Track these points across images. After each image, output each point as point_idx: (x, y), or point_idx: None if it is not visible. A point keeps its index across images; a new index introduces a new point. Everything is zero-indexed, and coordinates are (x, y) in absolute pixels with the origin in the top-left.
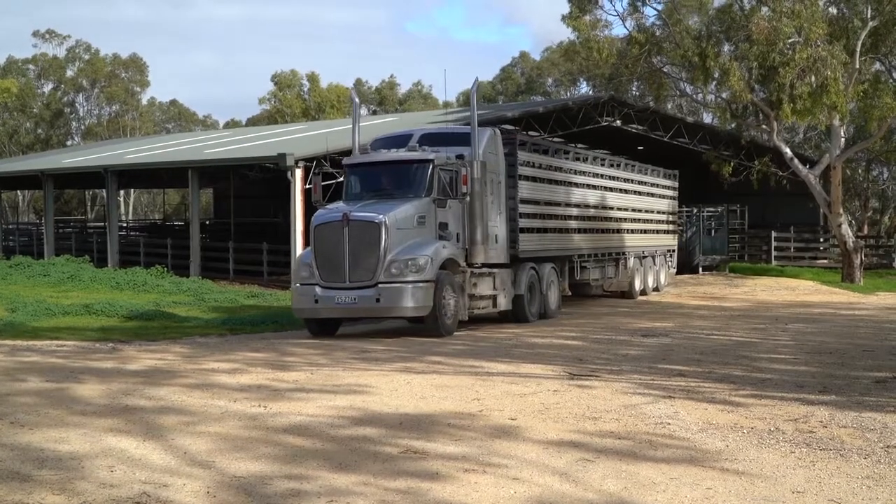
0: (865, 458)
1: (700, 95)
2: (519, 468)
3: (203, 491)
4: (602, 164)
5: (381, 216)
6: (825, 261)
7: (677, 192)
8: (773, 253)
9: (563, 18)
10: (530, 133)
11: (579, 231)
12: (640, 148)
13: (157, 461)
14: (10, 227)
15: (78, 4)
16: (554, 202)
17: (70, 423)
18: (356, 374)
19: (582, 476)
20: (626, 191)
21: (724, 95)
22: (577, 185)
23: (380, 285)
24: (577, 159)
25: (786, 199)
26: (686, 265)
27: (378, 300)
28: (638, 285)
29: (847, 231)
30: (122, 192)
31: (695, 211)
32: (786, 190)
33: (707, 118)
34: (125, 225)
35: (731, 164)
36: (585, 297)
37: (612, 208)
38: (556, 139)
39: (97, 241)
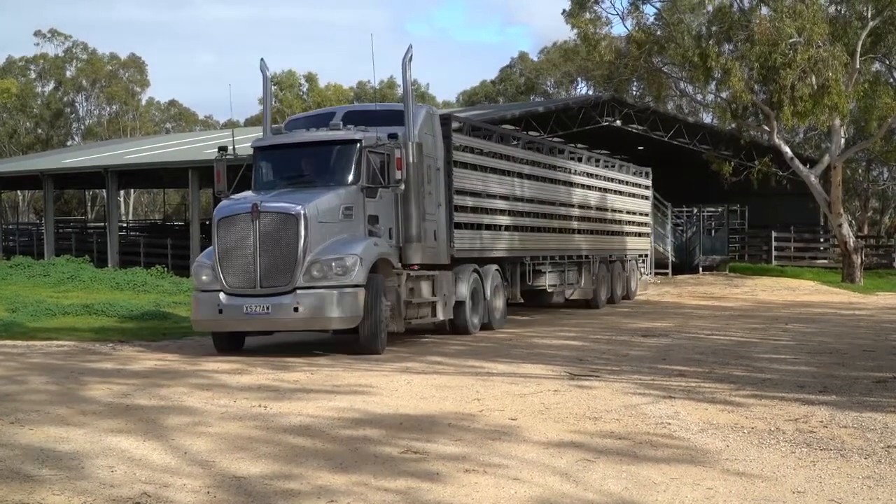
0: (866, 458)
1: (700, 95)
2: (519, 468)
3: (203, 491)
4: (561, 155)
5: (298, 207)
6: (825, 261)
7: (650, 192)
8: (774, 253)
9: (564, 13)
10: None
11: (532, 230)
12: (640, 148)
13: (158, 461)
14: (10, 227)
15: (79, 4)
16: (499, 195)
17: (71, 422)
18: (357, 374)
19: (582, 476)
20: (589, 186)
21: (724, 95)
22: (529, 176)
23: (298, 291)
24: (530, 148)
25: (786, 199)
26: (686, 265)
27: (296, 309)
28: (604, 293)
29: (847, 231)
30: (122, 192)
31: (695, 211)
32: (786, 190)
33: (707, 118)
34: (125, 225)
35: (732, 163)
36: (544, 307)
37: (572, 205)
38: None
39: (97, 241)
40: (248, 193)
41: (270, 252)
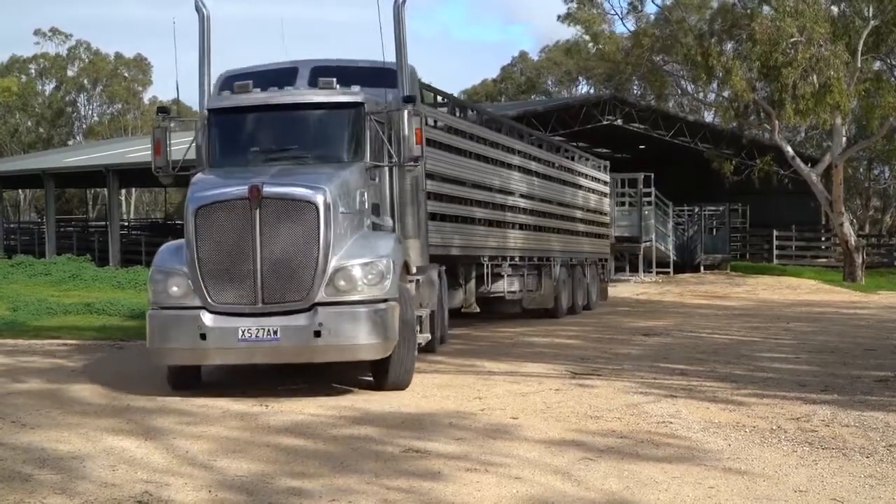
0: (868, 457)
1: (702, 94)
2: (520, 467)
3: (204, 490)
4: (521, 138)
5: (317, 191)
6: (827, 260)
7: (609, 189)
8: (775, 252)
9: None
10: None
11: (490, 223)
12: (641, 147)
13: (159, 461)
14: (12, 225)
15: (79, 3)
16: (455, 179)
17: (71, 422)
18: (357, 372)
19: (584, 475)
20: (549, 177)
21: (725, 94)
22: (488, 160)
23: (319, 308)
24: (490, 127)
25: (787, 198)
26: (688, 264)
27: (318, 334)
28: (565, 302)
29: (849, 230)
30: (123, 191)
31: (696, 210)
32: (787, 189)
33: (708, 117)
34: (126, 224)
35: (733, 162)
36: (498, 317)
37: (532, 198)
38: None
39: (98, 240)
40: (212, 175)
41: (279, 253)
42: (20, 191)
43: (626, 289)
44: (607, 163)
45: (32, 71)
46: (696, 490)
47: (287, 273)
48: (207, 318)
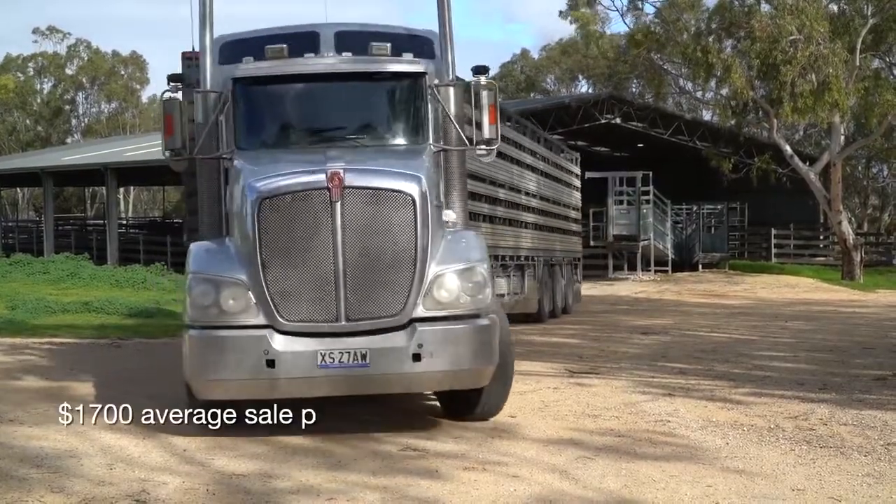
0: (866, 456)
1: (700, 93)
2: (518, 466)
3: (202, 489)
4: (508, 122)
5: (411, 180)
6: (825, 258)
7: (579, 182)
8: (773, 250)
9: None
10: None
11: (484, 219)
12: (640, 145)
13: (156, 459)
14: (10, 224)
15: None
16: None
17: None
18: None
19: (581, 474)
20: (533, 168)
21: (724, 92)
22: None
23: (418, 326)
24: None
25: (786, 197)
26: (686, 262)
27: (418, 357)
28: (547, 305)
29: (847, 228)
30: (121, 189)
31: (694, 208)
32: (786, 187)
33: (707, 115)
34: (125, 222)
35: (731, 161)
36: None
37: (518, 190)
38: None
39: (97, 238)
40: (265, 160)
41: (367, 256)
42: (18, 189)
43: (625, 287)
44: (578, 155)
45: (31, 69)
46: (694, 489)
47: (377, 281)
48: (278, 341)
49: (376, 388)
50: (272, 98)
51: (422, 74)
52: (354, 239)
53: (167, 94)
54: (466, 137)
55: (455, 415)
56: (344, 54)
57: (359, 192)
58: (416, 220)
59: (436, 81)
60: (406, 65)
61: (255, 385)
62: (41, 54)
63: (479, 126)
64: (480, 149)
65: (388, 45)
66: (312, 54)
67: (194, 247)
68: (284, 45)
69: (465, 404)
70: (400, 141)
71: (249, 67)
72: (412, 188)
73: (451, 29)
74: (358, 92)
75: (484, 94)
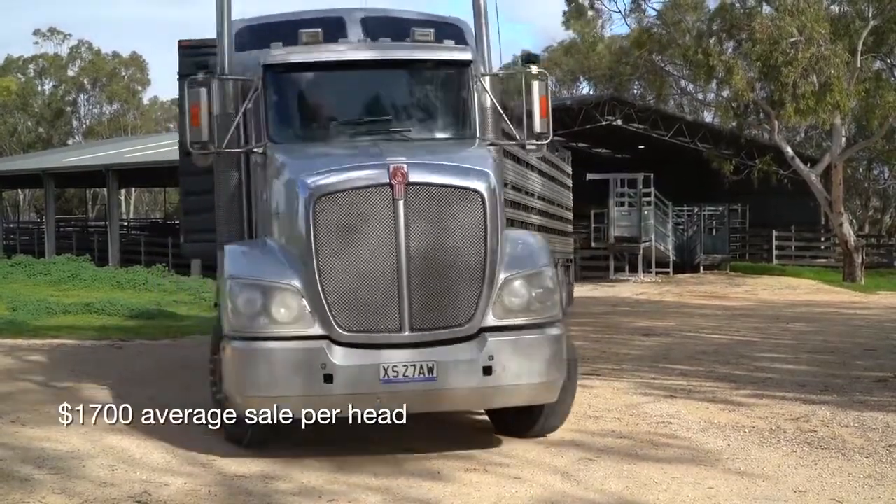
0: (867, 458)
1: (701, 94)
2: (520, 467)
3: (204, 490)
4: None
5: (479, 177)
6: (826, 260)
7: (570, 181)
8: (774, 252)
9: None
10: None
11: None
12: (641, 147)
13: (158, 460)
14: (11, 225)
15: (78, 2)
16: None
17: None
18: None
19: (583, 475)
20: (534, 168)
21: (725, 94)
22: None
23: (488, 336)
24: None
25: (787, 198)
26: (687, 264)
27: (489, 371)
28: None
29: (848, 230)
30: (122, 190)
31: (696, 210)
32: (787, 189)
33: (708, 117)
34: (126, 224)
35: (732, 162)
36: None
37: (523, 191)
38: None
39: (98, 239)
40: (339, 151)
41: (433, 260)
42: (20, 190)
43: (626, 289)
44: (569, 153)
45: (32, 71)
46: (696, 490)
47: (444, 287)
48: (337, 354)
49: (444, 404)
50: (309, 86)
51: (468, 63)
52: (418, 240)
53: (191, 84)
54: (515, 131)
55: (511, 432)
56: (381, 40)
57: (424, 188)
58: (485, 220)
59: (481, 70)
60: (454, 52)
61: (307, 402)
62: (42, 56)
63: (529, 119)
64: (531, 143)
65: (432, 30)
66: (345, 40)
67: (230, 249)
68: (319, 30)
69: (526, 421)
70: (447, 134)
71: (285, 53)
72: (481, 185)
73: (487, 17)
74: (402, 81)
75: (535, 84)
